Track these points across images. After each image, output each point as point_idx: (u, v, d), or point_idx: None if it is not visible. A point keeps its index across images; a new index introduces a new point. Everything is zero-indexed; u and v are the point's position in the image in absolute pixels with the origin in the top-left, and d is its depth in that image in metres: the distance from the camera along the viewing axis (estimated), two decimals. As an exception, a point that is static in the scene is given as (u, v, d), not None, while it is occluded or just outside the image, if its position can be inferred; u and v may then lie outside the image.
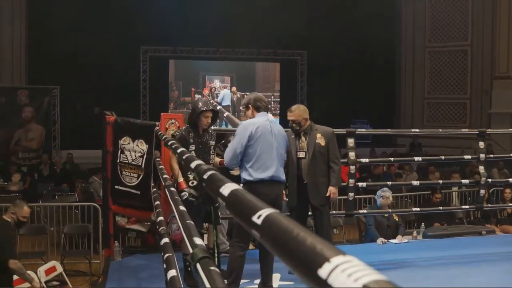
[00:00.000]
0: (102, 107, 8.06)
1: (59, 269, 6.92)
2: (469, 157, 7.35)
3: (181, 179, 4.69)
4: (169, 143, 3.21)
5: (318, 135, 5.06)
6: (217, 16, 16.43)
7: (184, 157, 2.25)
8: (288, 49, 18.81)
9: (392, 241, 6.54)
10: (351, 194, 5.32)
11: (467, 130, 7.78)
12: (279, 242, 0.79)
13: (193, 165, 1.88)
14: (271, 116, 4.70)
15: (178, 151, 2.47)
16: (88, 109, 15.85)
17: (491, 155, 7.98)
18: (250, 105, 4.59)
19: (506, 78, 17.01)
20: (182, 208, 2.42)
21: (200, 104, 4.92)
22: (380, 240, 6.48)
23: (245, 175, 4.37)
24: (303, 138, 5.09)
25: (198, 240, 1.72)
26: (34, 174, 13.14)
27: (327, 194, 5.03)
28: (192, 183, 4.65)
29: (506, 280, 5.03)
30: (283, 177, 4.48)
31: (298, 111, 5.12)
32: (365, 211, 6.78)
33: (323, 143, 5.05)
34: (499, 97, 16.95)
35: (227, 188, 1.19)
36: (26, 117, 15.03)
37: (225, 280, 4.52)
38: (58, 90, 15.66)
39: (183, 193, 4.60)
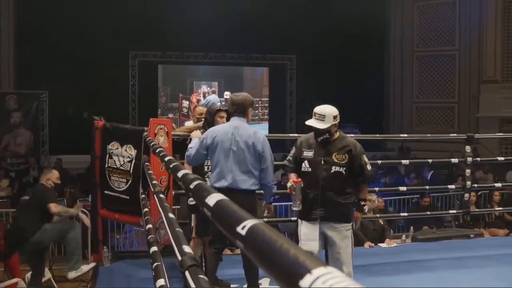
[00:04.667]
0: (91, 112, 8.04)
1: (48, 275, 6.87)
2: (456, 160, 7.40)
3: None
4: (157, 151, 3.18)
5: None
6: (205, 21, 16.45)
7: (171, 166, 2.25)
8: (277, 54, 18.85)
9: (381, 245, 6.57)
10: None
11: (455, 134, 7.77)
12: (262, 253, 0.79)
13: (180, 174, 1.88)
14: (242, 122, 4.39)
15: (166, 159, 2.46)
16: (77, 114, 15.80)
17: (478, 158, 8.04)
18: (227, 110, 4.66)
19: (493, 82, 17.16)
20: (171, 215, 2.41)
21: (216, 105, 5.00)
22: (367, 244, 6.50)
23: (208, 183, 4.36)
24: None
25: (186, 248, 1.72)
26: (22, 179, 13.07)
27: None
28: None
29: (494, 283, 5.07)
30: (244, 185, 4.24)
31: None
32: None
33: None
34: (486, 101, 17.09)
35: (212, 199, 1.19)
36: (15, 122, 14.95)
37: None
38: (46, 95, 15.60)
39: (192, 198, 4.55)
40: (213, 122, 4.80)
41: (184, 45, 17.54)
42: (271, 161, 4.39)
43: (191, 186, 1.55)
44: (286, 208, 8.12)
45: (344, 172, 4.24)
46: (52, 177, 6.26)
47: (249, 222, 0.90)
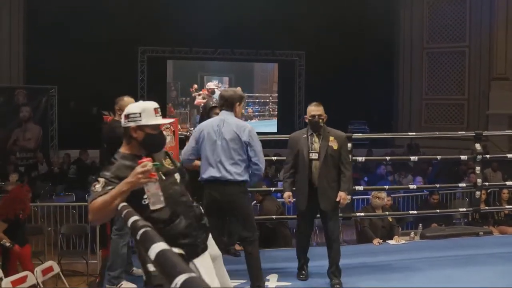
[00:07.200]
0: (100, 107, 8.05)
1: (56, 269, 6.89)
2: (465, 157, 7.35)
3: None
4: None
5: (331, 138, 4.90)
6: (215, 16, 16.43)
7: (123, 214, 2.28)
8: (286, 50, 18.81)
9: (390, 242, 6.55)
10: (348, 197, 5.22)
11: (463, 132, 7.68)
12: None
13: (129, 222, 1.90)
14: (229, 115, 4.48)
15: (120, 206, 2.47)
16: (86, 109, 15.84)
17: (487, 155, 7.98)
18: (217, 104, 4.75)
19: (503, 79, 17.03)
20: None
21: (211, 102, 5.13)
22: (376, 240, 6.49)
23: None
24: (316, 139, 4.92)
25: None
26: (31, 174, 13.11)
27: (337, 199, 4.86)
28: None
29: (503, 281, 5.03)
30: (231, 176, 4.34)
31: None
32: (362, 214, 6.78)
33: (335, 147, 4.88)
34: (496, 98, 16.97)
35: (154, 250, 1.21)
36: (24, 117, 15.03)
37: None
38: (55, 90, 15.66)
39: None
40: (209, 118, 4.94)
41: (193, 40, 17.54)
42: (260, 151, 4.44)
43: (137, 237, 1.58)
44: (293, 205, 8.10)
45: None
46: (123, 105, 4.70)
47: (181, 278, 0.90)
